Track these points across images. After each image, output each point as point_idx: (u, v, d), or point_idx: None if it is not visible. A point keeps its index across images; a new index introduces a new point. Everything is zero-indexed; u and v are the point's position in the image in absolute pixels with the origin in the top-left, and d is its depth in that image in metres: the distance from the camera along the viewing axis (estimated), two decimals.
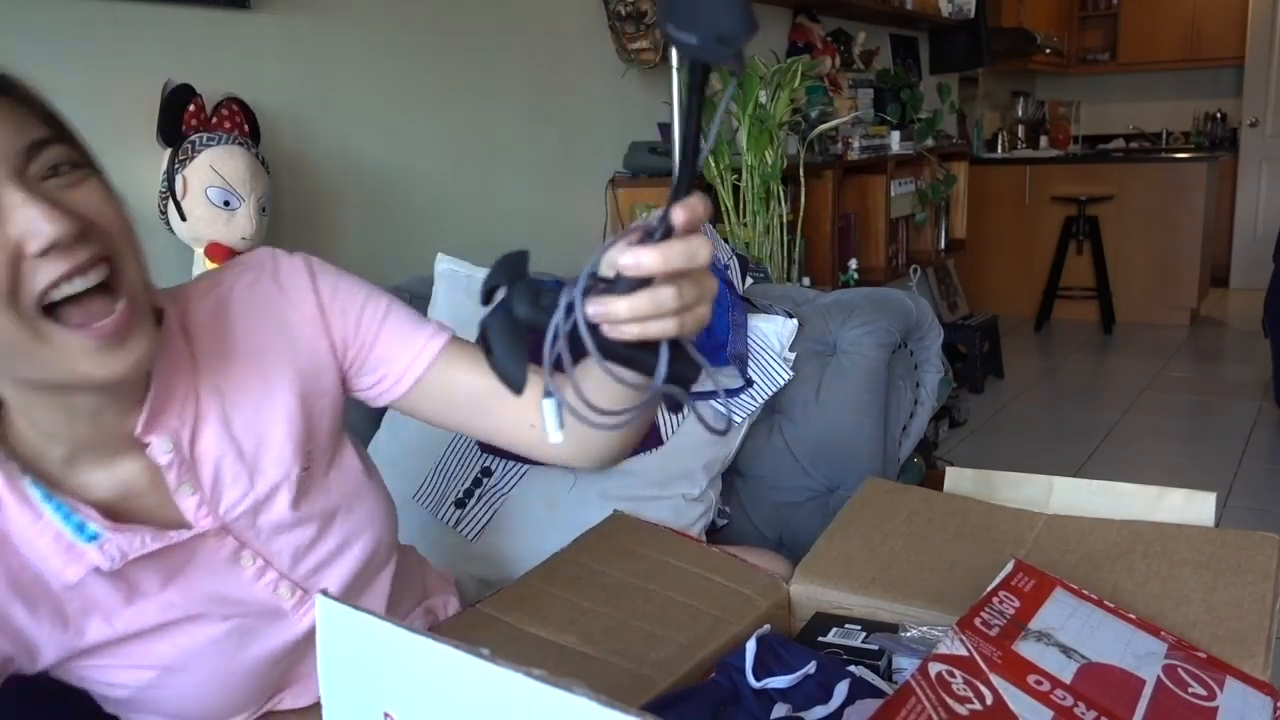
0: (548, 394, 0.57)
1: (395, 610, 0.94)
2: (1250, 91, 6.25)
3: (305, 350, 0.82)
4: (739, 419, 1.61)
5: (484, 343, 0.59)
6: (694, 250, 0.56)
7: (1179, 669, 0.75)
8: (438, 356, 0.84)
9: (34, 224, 0.62)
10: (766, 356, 1.57)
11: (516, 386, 0.58)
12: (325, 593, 0.49)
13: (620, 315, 0.56)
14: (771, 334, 1.59)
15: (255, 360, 0.81)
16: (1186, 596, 0.89)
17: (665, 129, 2.53)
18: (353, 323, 0.84)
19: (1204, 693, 0.73)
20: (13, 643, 0.71)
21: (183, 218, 1.53)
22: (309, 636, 0.83)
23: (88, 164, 0.68)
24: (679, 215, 0.54)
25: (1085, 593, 0.85)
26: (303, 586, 0.83)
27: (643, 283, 0.56)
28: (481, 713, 0.42)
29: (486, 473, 1.42)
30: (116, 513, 0.74)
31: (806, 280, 2.71)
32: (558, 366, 0.55)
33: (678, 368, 0.59)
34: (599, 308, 0.56)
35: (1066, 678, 0.72)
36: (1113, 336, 5.18)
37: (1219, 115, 6.67)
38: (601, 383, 0.62)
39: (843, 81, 3.59)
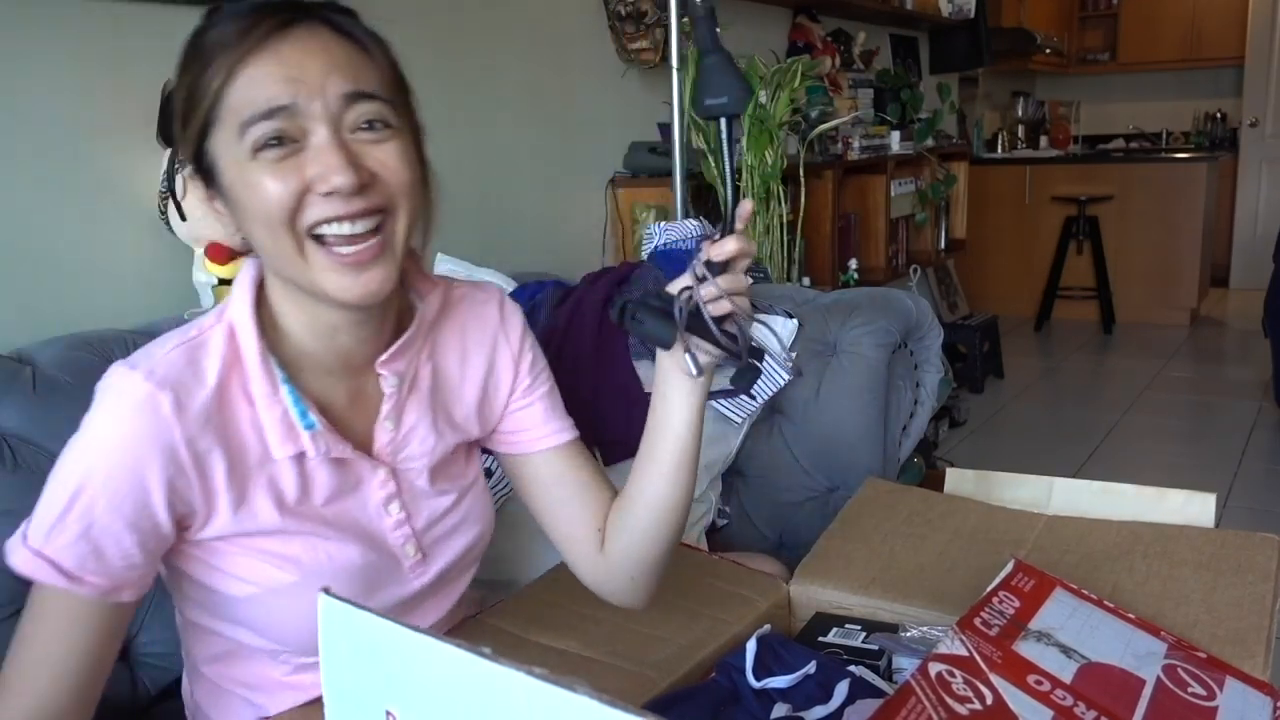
0: (688, 350, 0.79)
1: (453, 615, 0.99)
2: (1250, 91, 6.25)
3: (496, 374, 0.95)
4: (739, 419, 1.61)
5: (635, 324, 0.80)
6: (747, 239, 0.79)
7: (1179, 669, 0.76)
8: (563, 445, 0.96)
9: (327, 170, 0.73)
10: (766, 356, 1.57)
11: (667, 344, 0.80)
12: (328, 591, 0.49)
13: (717, 290, 0.77)
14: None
15: (463, 358, 0.93)
16: (1186, 596, 0.89)
17: (665, 129, 2.53)
18: (531, 378, 0.97)
19: (1204, 693, 0.73)
20: (203, 495, 0.77)
21: (183, 218, 1.53)
22: (411, 599, 0.91)
23: (404, 126, 0.78)
24: (746, 207, 0.79)
25: (1085, 593, 0.85)
26: (425, 550, 0.91)
27: (723, 270, 0.78)
28: (483, 712, 0.42)
29: (487, 474, 1.42)
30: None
31: (806, 280, 2.71)
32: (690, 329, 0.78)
33: (754, 335, 0.81)
34: (705, 290, 0.77)
35: (1066, 678, 0.72)
36: (1113, 336, 5.18)
37: (1219, 115, 6.66)
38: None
39: (843, 81, 3.58)
